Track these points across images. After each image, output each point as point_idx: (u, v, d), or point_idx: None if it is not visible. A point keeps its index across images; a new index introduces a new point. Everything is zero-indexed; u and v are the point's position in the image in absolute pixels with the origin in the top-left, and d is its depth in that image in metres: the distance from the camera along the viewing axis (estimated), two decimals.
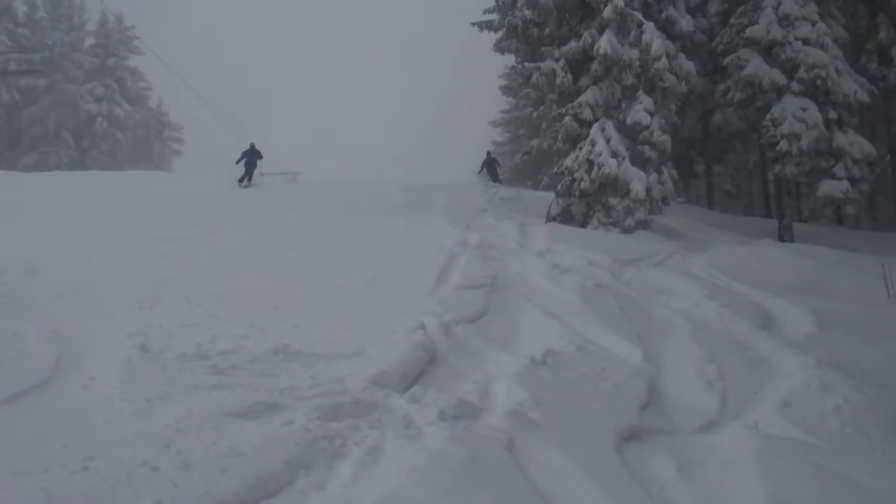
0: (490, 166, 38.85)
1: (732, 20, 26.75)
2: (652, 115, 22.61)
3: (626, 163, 21.81)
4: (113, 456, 5.47)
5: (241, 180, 31.98)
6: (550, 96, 26.48)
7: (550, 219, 23.24)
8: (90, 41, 66.73)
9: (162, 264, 14.31)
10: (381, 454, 6.00)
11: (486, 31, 31.19)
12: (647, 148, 22.56)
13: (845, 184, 23.55)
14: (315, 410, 6.59)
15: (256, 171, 33.21)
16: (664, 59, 22.31)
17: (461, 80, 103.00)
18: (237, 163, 32.43)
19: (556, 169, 24.56)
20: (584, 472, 5.91)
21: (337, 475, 5.62)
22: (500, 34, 31.37)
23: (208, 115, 58.83)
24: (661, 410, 8.20)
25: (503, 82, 55.18)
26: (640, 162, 22.48)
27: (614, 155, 21.87)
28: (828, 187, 23.75)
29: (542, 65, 24.86)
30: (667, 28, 23.58)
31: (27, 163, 54.89)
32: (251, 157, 32.73)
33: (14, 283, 12.08)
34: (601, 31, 23.22)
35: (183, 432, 5.96)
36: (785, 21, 24.18)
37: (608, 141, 22.10)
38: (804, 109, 23.70)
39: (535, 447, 6.33)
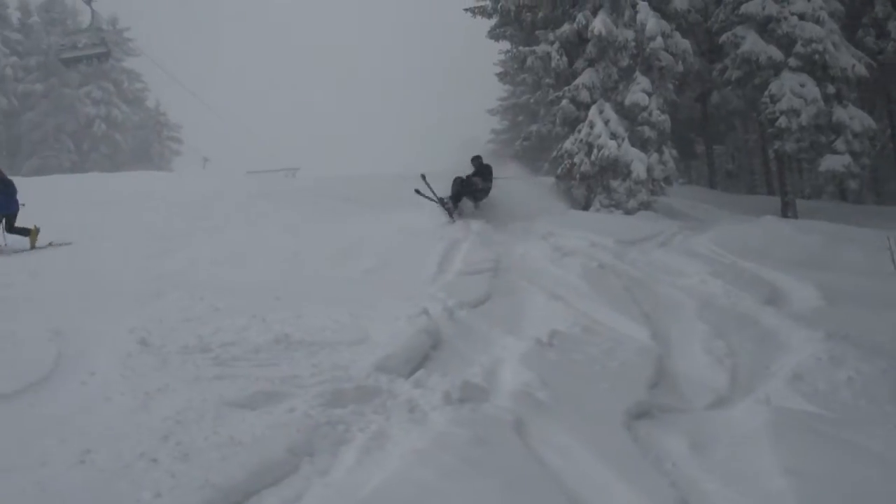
0: (466, 185, 19.94)
1: None
2: (650, 95, 22.53)
3: (626, 144, 21.75)
4: (111, 449, 5.39)
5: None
6: (547, 80, 26.37)
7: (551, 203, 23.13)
8: None
9: (164, 261, 14.29)
10: (386, 439, 5.90)
11: (479, 17, 31.11)
12: (646, 128, 22.48)
13: (847, 158, 23.45)
14: (318, 398, 6.50)
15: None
16: (660, 39, 22.23)
17: (457, 68, 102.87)
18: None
19: (555, 153, 24.49)
20: (593, 450, 5.80)
21: (341, 461, 5.53)
22: (493, 20, 31.33)
23: (205, 113, 58.86)
24: (671, 388, 8.11)
25: (499, 69, 55.09)
26: (640, 143, 22.41)
27: (613, 136, 21.80)
28: (829, 162, 23.64)
29: (536, 48, 24.77)
30: (661, 7, 23.44)
31: (28, 168, 54.77)
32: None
33: (15, 284, 12.03)
34: (595, 13, 23.18)
35: (183, 424, 5.88)
36: None
37: (607, 122, 22.03)
38: (802, 85, 23.60)
39: (544, 427, 6.23)
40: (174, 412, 6.11)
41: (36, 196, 23.01)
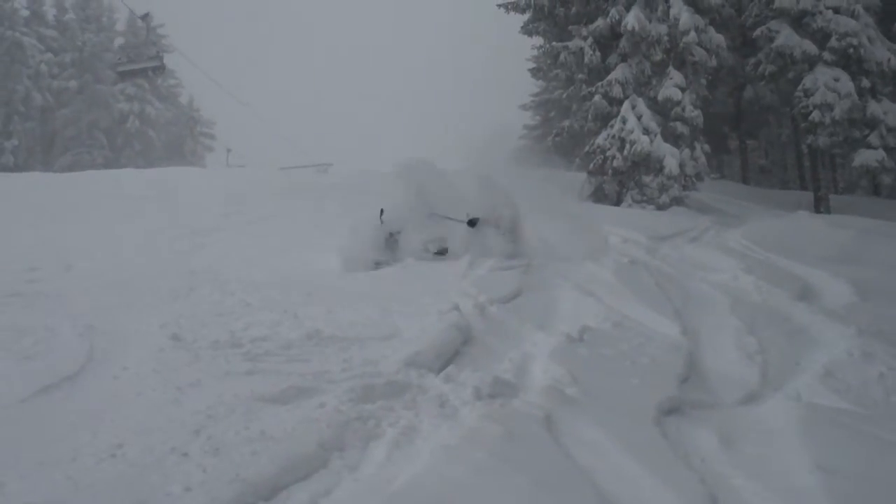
0: None
1: None
2: (683, 90, 22.50)
3: (658, 139, 21.72)
4: (142, 443, 5.41)
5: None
6: (579, 76, 26.40)
7: (583, 198, 23.15)
8: (119, 41, 66.96)
9: (196, 256, 14.39)
10: (416, 434, 5.90)
11: (512, 13, 31.06)
12: (678, 124, 22.46)
13: (880, 153, 23.32)
14: (348, 393, 6.49)
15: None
16: (693, 33, 22.18)
17: (490, 64, 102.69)
18: None
19: (587, 148, 24.48)
20: (624, 446, 5.79)
21: (371, 456, 5.53)
22: (527, 16, 31.28)
23: (236, 110, 59.01)
24: (702, 384, 8.07)
25: (532, 65, 54.98)
26: (673, 138, 22.38)
27: (646, 132, 21.79)
28: (863, 157, 23.52)
29: (569, 44, 24.80)
30: (695, 2, 23.39)
31: (62, 164, 55.19)
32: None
33: (48, 279, 12.12)
34: (628, 8, 23.16)
35: (214, 418, 5.89)
36: None
37: (639, 118, 22.01)
38: (836, 79, 23.50)
39: (574, 423, 6.22)
40: (205, 407, 6.13)
41: (69, 192, 23.24)
